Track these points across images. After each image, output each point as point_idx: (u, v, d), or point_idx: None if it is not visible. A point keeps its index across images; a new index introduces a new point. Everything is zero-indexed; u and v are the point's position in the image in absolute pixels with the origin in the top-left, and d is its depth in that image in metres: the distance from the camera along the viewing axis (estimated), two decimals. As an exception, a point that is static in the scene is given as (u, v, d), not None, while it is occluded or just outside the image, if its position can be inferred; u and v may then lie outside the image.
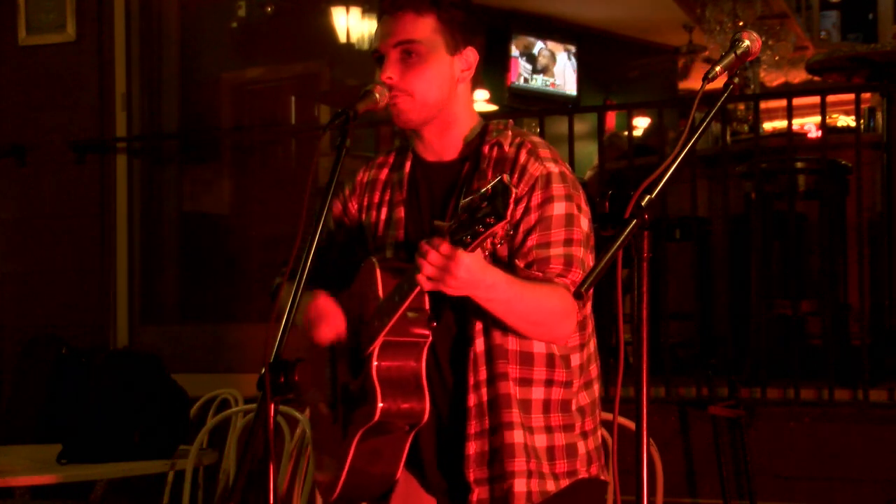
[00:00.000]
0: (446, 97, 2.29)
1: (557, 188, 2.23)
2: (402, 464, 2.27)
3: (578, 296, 1.84)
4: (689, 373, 4.58)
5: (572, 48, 10.25)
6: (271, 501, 1.93)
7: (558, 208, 2.22)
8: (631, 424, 2.64)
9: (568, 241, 2.21)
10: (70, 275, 5.65)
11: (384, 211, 2.39)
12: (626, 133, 8.64)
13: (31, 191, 5.74)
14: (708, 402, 4.25)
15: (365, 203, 2.43)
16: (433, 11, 2.26)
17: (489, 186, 1.86)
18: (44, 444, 4.22)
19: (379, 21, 2.31)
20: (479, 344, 2.23)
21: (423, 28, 2.26)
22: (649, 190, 1.85)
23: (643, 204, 1.83)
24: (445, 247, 1.93)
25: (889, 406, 4.25)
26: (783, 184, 4.94)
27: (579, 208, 2.25)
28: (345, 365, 2.33)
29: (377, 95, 2.21)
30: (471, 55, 2.32)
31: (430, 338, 2.21)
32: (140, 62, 5.81)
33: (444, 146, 2.35)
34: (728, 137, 5.29)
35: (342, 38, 6.75)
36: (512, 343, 2.24)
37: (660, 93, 10.67)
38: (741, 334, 4.85)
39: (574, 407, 2.34)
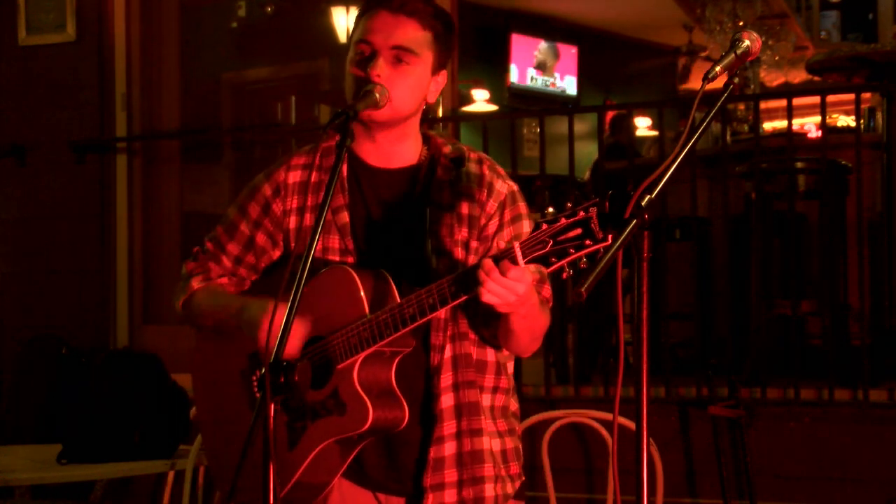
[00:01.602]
0: (415, 110, 2.32)
1: (522, 206, 2.33)
2: (342, 470, 2.26)
3: (578, 296, 1.85)
4: (689, 373, 4.58)
5: (572, 48, 10.25)
6: (271, 501, 1.92)
7: (527, 225, 2.31)
8: (631, 424, 2.64)
9: (542, 280, 2.28)
10: (70, 275, 5.65)
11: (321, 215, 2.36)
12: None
13: (31, 191, 5.74)
14: (708, 402, 4.25)
15: (293, 205, 2.36)
16: (433, 28, 2.29)
17: (576, 211, 1.90)
18: (44, 444, 4.22)
19: (372, 10, 2.29)
20: (448, 350, 2.25)
21: (421, 40, 2.28)
22: (649, 190, 1.85)
23: (643, 204, 1.83)
24: (519, 269, 1.97)
25: (889, 406, 4.25)
26: (783, 184, 4.94)
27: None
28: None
29: (377, 95, 2.21)
30: (441, 79, 2.36)
31: (410, 350, 2.22)
32: (140, 62, 5.81)
33: (395, 153, 2.34)
34: (728, 137, 5.29)
35: (342, 38, 6.75)
36: (474, 352, 2.29)
37: (660, 93, 10.68)
38: (741, 334, 4.85)
39: (510, 412, 2.39)
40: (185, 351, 5.43)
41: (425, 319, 2.12)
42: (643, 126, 10.46)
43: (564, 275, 1.93)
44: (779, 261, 5.15)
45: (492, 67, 9.69)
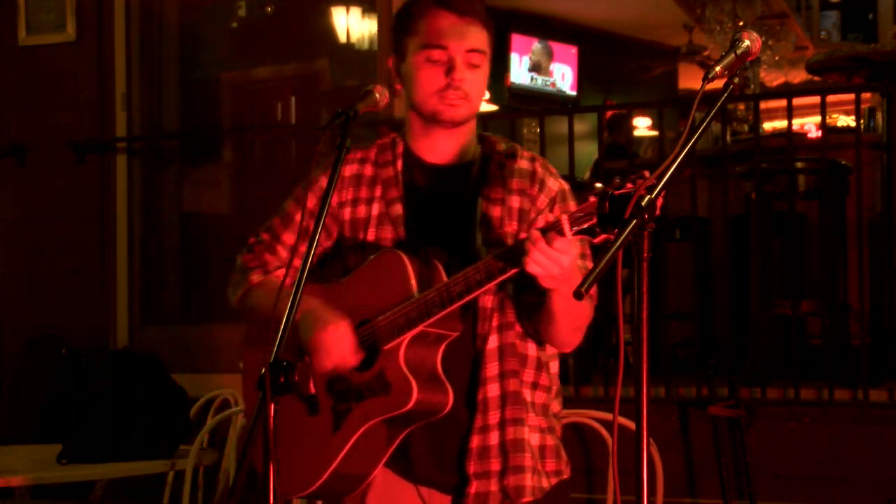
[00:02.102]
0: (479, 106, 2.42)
1: (573, 204, 2.35)
2: (385, 459, 2.29)
3: (578, 296, 1.85)
4: (689, 373, 4.58)
5: (572, 48, 10.25)
6: (271, 501, 1.93)
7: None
8: (631, 424, 2.64)
9: (583, 255, 2.31)
10: (70, 275, 5.65)
11: (376, 206, 2.39)
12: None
13: (31, 191, 5.75)
14: (708, 402, 4.25)
15: (348, 197, 2.42)
16: (489, 24, 2.38)
17: (623, 184, 1.89)
18: (44, 444, 4.22)
19: (433, 10, 2.34)
20: (494, 340, 2.29)
21: (485, 39, 2.37)
22: (649, 190, 1.85)
23: (643, 204, 1.83)
24: (565, 240, 2.00)
25: (889, 406, 4.25)
26: (783, 184, 4.94)
27: None
28: None
29: (377, 95, 2.23)
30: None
31: (458, 334, 2.26)
32: (140, 62, 5.81)
33: (451, 150, 2.40)
34: (728, 137, 5.29)
35: (342, 38, 6.75)
36: (518, 344, 2.32)
37: (660, 93, 10.68)
38: (741, 334, 4.85)
39: (551, 412, 2.41)
40: (185, 351, 5.41)
41: (473, 296, 2.16)
42: (643, 126, 10.46)
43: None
44: (779, 261, 5.15)
45: (492, 67, 9.67)
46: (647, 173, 1.89)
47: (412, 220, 2.37)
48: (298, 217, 2.46)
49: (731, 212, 4.83)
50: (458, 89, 2.31)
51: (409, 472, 2.35)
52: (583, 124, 8.46)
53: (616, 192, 1.87)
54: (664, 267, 5.04)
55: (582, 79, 10.30)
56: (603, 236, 1.95)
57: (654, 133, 9.22)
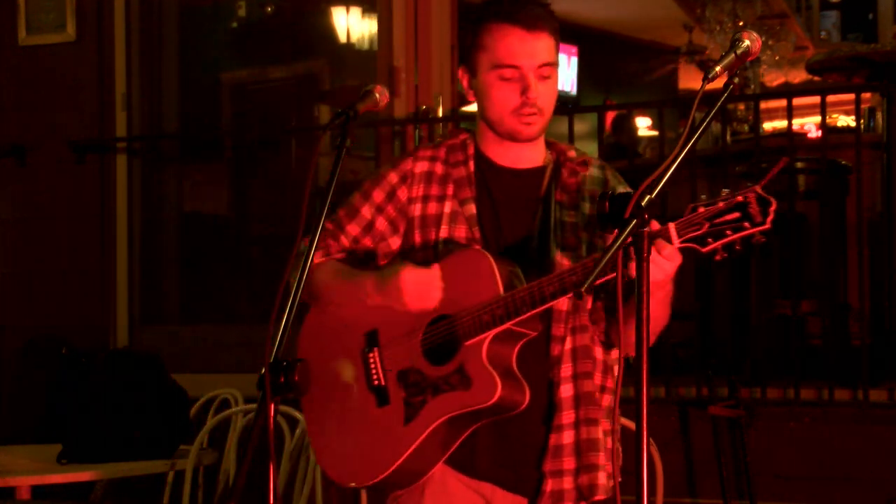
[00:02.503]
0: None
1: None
2: (448, 454, 2.34)
3: (579, 296, 1.86)
4: (689, 373, 4.58)
5: (572, 48, 10.24)
6: (271, 501, 1.93)
7: None
8: (631, 424, 2.64)
9: None
10: (70, 275, 5.65)
11: (448, 204, 2.42)
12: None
13: (31, 191, 5.74)
14: (708, 402, 4.25)
15: (419, 193, 2.45)
16: (556, 31, 2.42)
17: (738, 196, 1.97)
18: (44, 444, 4.22)
19: (502, 26, 2.36)
20: (568, 342, 2.34)
21: (554, 49, 2.41)
22: (649, 190, 1.86)
23: (643, 204, 1.83)
24: (673, 248, 2.04)
25: (889, 406, 4.25)
26: (783, 184, 4.94)
27: None
28: (402, 350, 2.37)
29: (377, 95, 2.23)
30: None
31: (536, 334, 2.31)
32: (140, 62, 5.80)
33: (522, 156, 2.45)
34: (728, 137, 5.29)
35: (342, 38, 6.74)
36: (590, 346, 2.38)
37: (660, 93, 10.68)
38: (741, 334, 4.85)
39: (615, 416, 2.45)
40: (185, 351, 5.42)
41: (565, 297, 2.20)
42: (643, 126, 10.45)
43: (718, 257, 1.98)
44: (779, 261, 5.15)
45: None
46: (757, 188, 1.94)
47: (485, 221, 2.41)
48: (364, 210, 2.48)
49: (731, 212, 4.80)
50: (532, 106, 2.35)
51: (471, 469, 2.38)
52: (583, 124, 8.44)
53: (724, 203, 1.94)
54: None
55: (582, 79, 10.30)
56: (714, 245, 1.98)
57: (654, 133, 9.22)
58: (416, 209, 2.44)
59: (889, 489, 4.05)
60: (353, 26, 6.74)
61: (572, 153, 2.46)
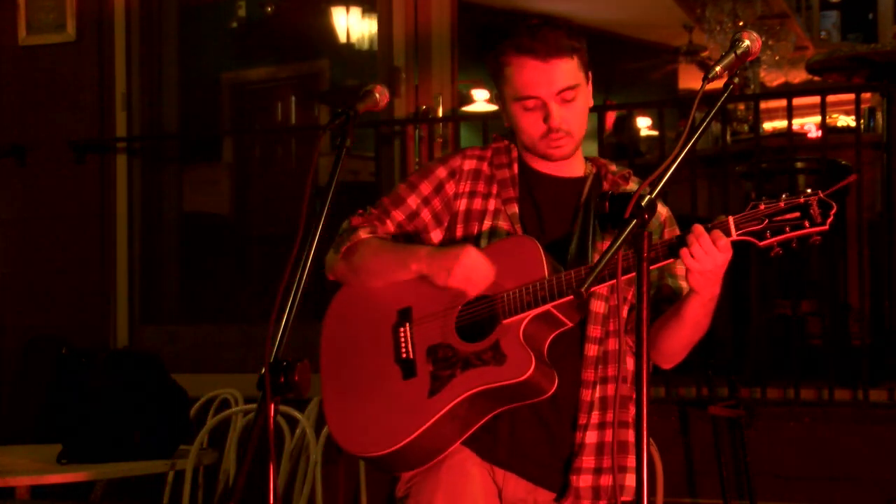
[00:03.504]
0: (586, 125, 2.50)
1: (678, 229, 2.50)
2: (468, 434, 2.36)
3: (579, 296, 1.86)
4: (689, 373, 4.58)
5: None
6: (271, 501, 1.93)
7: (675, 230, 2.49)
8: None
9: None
10: (70, 275, 5.65)
11: (492, 202, 2.49)
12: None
13: (31, 191, 5.74)
14: (708, 402, 4.25)
15: (466, 189, 2.52)
16: (577, 51, 2.43)
17: (800, 198, 2.07)
18: (44, 444, 4.22)
19: (518, 59, 2.42)
20: (604, 344, 2.39)
21: (574, 70, 2.42)
22: (649, 190, 1.86)
23: (643, 204, 1.83)
24: (727, 240, 2.12)
25: (889, 406, 4.25)
26: (783, 184, 4.94)
27: None
28: (434, 327, 2.41)
29: (377, 95, 2.24)
30: (591, 82, 2.50)
31: (572, 326, 2.36)
32: (140, 62, 5.80)
33: (563, 165, 2.51)
34: (728, 137, 5.29)
35: (342, 38, 6.75)
36: (624, 351, 2.43)
37: (660, 93, 10.67)
38: (741, 334, 4.84)
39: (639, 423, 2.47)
40: (185, 351, 5.42)
41: (613, 282, 2.22)
42: (643, 126, 10.44)
43: (773, 253, 2.06)
44: (779, 261, 5.15)
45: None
46: (821, 193, 2.04)
47: (527, 220, 2.47)
48: (410, 200, 2.54)
49: (731, 212, 4.80)
50: (558, 130, 2.41)
51: (492, 454, 2.41)
52: (583, 124, 8.44)
53: (786, 202, 2.03)
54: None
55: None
56: (770, 240, 2.07)
57: (654, 133, 9.21)
58: (462, 204, 2.51)
59: (889, 489, 4.05)
60: (353, 26, 6.74)
61: (613, 167, 2.53)
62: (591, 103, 2.49)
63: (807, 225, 2.01)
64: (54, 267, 5.68)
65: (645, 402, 1.80)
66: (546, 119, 2.41)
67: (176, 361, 4.87)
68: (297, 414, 3.85)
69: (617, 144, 7.73)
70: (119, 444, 3.80)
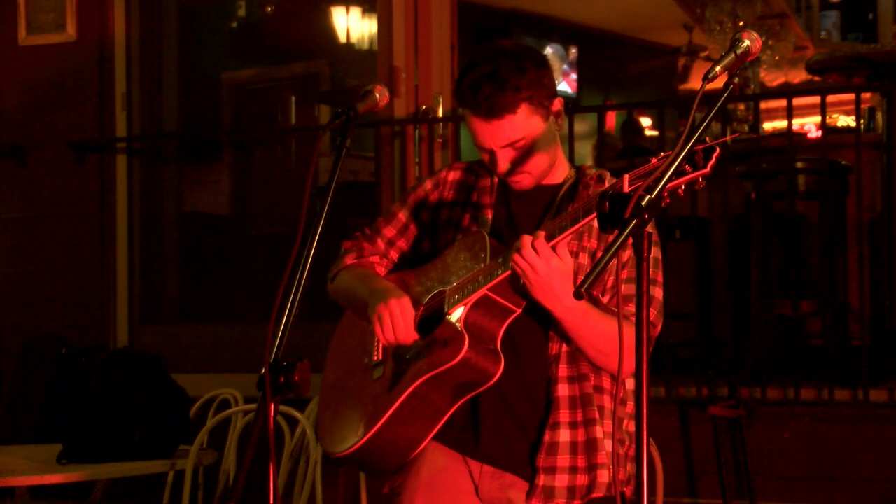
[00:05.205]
0: (553, 152, 2.48)
1: (654, 233, 2.44)
2: (437, 428, 2.40)
3: (578, 296, 1.86)
4: (689, 373, 4.58)
5: (572, 48, 10.24)
6: (271, 501, 1.92)
7: (654, 251, 2.43)
8: (630, 425, 2.64)
9: (652, 282, 2.41)
10: (70, 275, 5.65)
11: (470, 210, 2.56)
12: (616, 133, 8.64)
13: (31, 191, 5.74)
14: (708, 402, 4.25)
15: (448, 198, 2.59)
16: (528, 96, 2.38)
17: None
18: (44, 444, 4.22)
19: (469, 116, 2.42)
20: (566, 344, 2.40)
21: (522, 121, 2.39)
22: (649, 190, 1.86)
23: (643, 204, 1.83)
24: (540, 242, 2.19)
25: (889, 406, 4.25)
26: (783, 184, 4.94)
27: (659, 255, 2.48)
28: None
29: (377, 95, 2.24)
30: (557, 102, 2.46)
31: (520, 311, 2.37)
32: (140, 62, 5.80)
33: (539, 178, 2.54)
34: (728, 137, 5.29)
35: (342, 38, 6.76)
36: None
37: (660, 93, 10.67)
38: (741, 334, 4.85)
39: (624, 426, 2.49)
40: (185, 351, 5.41)
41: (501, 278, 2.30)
42: (643, 126, 10.45)
43: (664, 203, 1.99)
44: (779, 261, 5.15)
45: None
46: (701, 146, 1.93)
47: (501, 226, 2.52)
48: (400, 213, 2.64)
49: (731, 212, 4.82)
50: (511, 173, 2.43)
51: (468, 448, 2.45)
52: (583, 124, 8.45)
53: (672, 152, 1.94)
54: (664, 267, 5.02)
55: (582, 79, 10.30)
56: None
57: (655, 133, 9.21)
58: (444, 213, 2.59)
59: (889, 489, 4.05)
60: (353, 26, 6.75)
61: (591, 170, 2.53)
62: (555, 136, 2.48)
63: (688, 169, 1.94)
64: (54, 267, 5.68)
65: (645, 403, 1.80)
66: (495, 166, 2.45)
67: (176, 361, 4.87)
68: (297, 414, 3.85)
69: (630, 146, 7.73)
70: (119, 444, 3.80)
